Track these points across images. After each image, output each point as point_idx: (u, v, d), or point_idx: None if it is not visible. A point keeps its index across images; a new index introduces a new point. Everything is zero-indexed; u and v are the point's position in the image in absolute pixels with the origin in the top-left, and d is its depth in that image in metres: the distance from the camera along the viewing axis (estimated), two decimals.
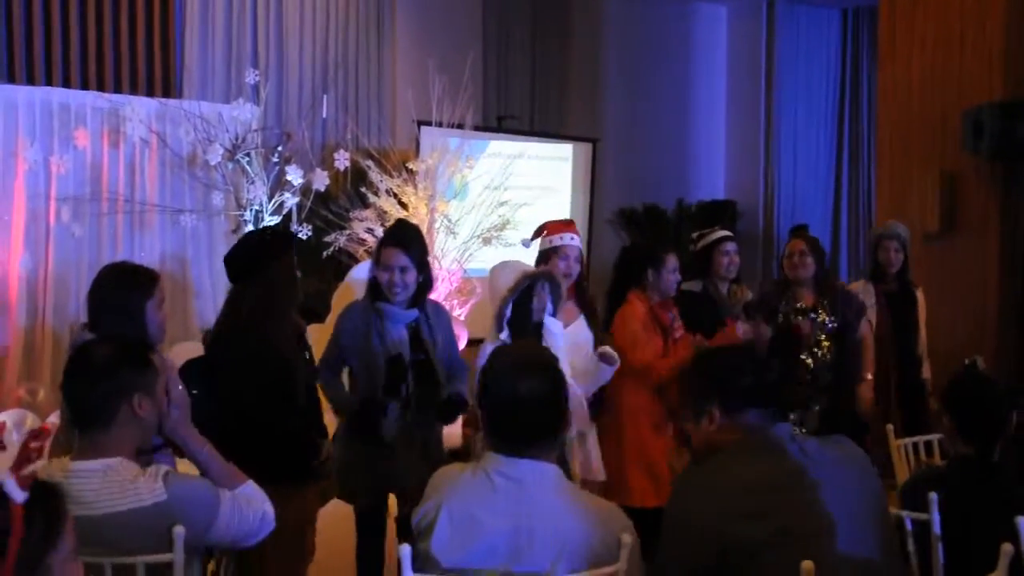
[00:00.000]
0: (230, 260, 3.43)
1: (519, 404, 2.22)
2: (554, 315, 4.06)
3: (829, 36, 10.27)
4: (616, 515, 2.28)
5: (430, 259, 6.50)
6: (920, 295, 5.39)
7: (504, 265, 4.28)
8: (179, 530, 2.19)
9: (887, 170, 7.04)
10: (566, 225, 4.53)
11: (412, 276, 3.74)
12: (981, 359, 5.24)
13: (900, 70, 6.85)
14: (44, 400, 5.85)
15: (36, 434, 4.03)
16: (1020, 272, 5.56)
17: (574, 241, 4.40)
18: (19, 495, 1.53)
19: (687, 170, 10.08)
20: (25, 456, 3.87)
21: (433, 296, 6.57)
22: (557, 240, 4.36)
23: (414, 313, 3.79)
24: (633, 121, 9.60)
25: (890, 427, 4.32)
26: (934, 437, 4.05)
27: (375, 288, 3.77)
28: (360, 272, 5.56)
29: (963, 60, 6.40)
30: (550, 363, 2.32)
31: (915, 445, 4.23)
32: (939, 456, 3.99)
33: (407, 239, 3.78)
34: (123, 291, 3.12)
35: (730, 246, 5.07)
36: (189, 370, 3.20)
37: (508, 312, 3.99)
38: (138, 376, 2.28)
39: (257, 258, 3.39)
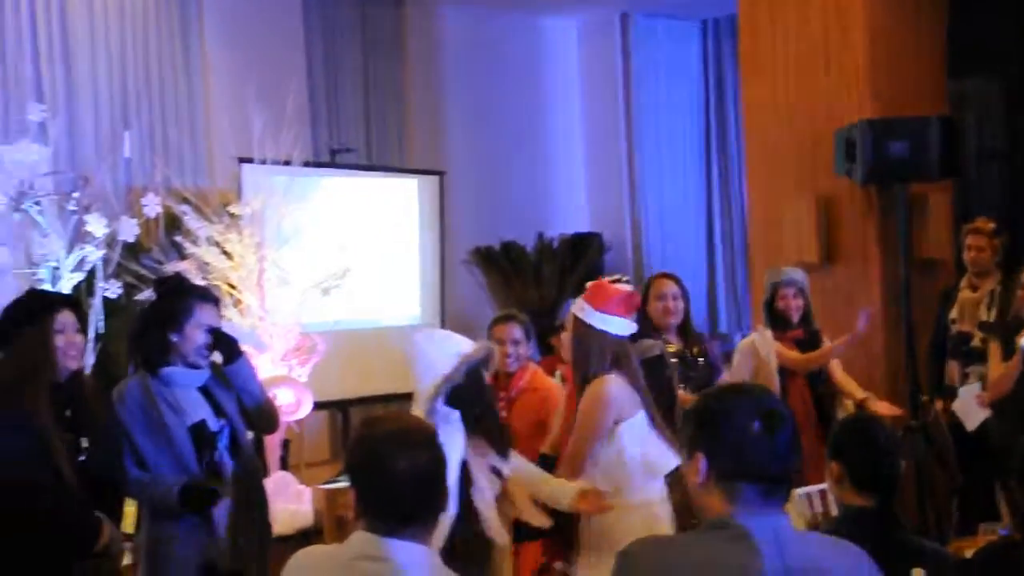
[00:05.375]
0: None
1: (396, 479, 2.24)
2: None
3: (690, 50, 10.65)
4: None
5: (262, 313, 6.63)
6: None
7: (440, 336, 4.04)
8: None
9: (759, 197, 7.31)
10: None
11: None
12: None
13: (765, 90, 7.14)
14: None
15: None
16: (905, 302, 5.91)
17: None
18: None
19: (546, 201, 10.29)
20: None
21: (268, 355, 6.63)
22: None
23: (206, 373, 3.83)
24: (482, 150, 9.74)
25: None
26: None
27: (154, 354, 3.74)
28: None
29: (829, 77, 6.76)
30: (431, 437, 2.36)
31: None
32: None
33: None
34: None
35: None
36: None
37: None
38: None
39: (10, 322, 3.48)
